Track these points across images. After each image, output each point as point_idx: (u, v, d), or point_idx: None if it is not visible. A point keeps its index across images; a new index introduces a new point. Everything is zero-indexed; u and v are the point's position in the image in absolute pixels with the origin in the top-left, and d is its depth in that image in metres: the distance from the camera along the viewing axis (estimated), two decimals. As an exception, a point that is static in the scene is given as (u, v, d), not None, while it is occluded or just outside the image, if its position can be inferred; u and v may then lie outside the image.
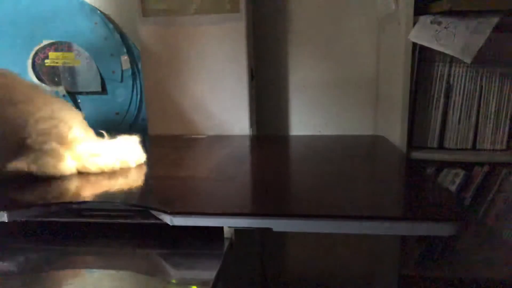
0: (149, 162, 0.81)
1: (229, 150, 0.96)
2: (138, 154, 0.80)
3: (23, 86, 0.77)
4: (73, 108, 0.82)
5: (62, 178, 0.72)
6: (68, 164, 0.73)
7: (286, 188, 0.70)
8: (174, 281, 0.49)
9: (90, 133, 0.82)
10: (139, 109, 1.24)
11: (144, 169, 0.78)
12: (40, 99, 0.76)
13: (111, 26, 1.19)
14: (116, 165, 0.76)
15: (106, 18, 1.19)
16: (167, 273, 0.51)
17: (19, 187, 0.68)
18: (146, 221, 0.58)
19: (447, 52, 0.86)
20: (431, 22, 0.88)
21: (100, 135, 0.83)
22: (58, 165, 0.71)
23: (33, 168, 0.69)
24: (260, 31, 1.18)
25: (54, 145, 0.72)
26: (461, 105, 0.94)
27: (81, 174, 0.74)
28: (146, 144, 0.83)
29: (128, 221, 0.59)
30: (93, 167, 0.74)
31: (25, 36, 1.20)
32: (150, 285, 0.49)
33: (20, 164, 0.69)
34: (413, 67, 0.91)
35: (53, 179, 0.70)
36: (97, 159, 0.75)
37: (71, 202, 0.60)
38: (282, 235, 1.29)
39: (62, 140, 0.74)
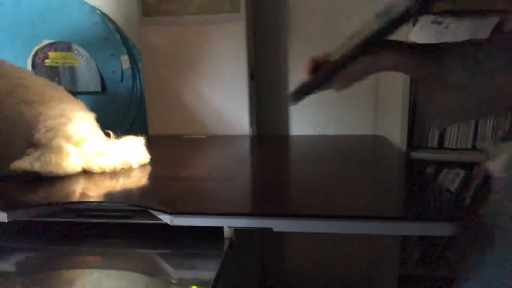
0: (150, 162, 0.81)
1: (229, 150, 0.96)
2: (142, 155, 0.80)
3: (38, 85, 0.77)
4: (85, 108, 0.82)
5: (65, 177, 0.71)
6: (72, 162, 0.73)
7: (286, 188, 0.70)
8: (174, 281, 0.49)
9: (99, 133, 0.82)
10: (139, 109, 1.23)
11: (145, 169, 0.78)
12: (54, 99, 0.76)
13: (111, 26, 1.19)
14: (118, 165, 0.76)
15: (106, 18, 1.19)
16: (167, 273, 0.51)
17: (20, 187, 0.68)
18: (146, 221, 0.58)
19: (447, 52, 0.86)
20: (431, 22, 0.88)
21: (106, 135, 0.83)
22: (61, 163, 0.71)
23: (37, 167, 0.69)
24: (260, 31, 1.18)
25: (60, 141, 0.72)
26: (461, 105, 0.94)
27: (83, 174, 0.74)
28: (146, 144, 0.83)
29: (128, 221, 0.59)
30: (95, 167, 0.74)
31: (25, 36, 1.20)
32: (150, 285, 0.49)
33: (23, 163, 0.69)
34: (413, 67, 0.91)
35: (55, 179, 0.70)
36: (100, 159, 0.75)
37: (71, 202, 0.60)
38: (282, 235, 1.29)
39: (69, 139, 0.74)
